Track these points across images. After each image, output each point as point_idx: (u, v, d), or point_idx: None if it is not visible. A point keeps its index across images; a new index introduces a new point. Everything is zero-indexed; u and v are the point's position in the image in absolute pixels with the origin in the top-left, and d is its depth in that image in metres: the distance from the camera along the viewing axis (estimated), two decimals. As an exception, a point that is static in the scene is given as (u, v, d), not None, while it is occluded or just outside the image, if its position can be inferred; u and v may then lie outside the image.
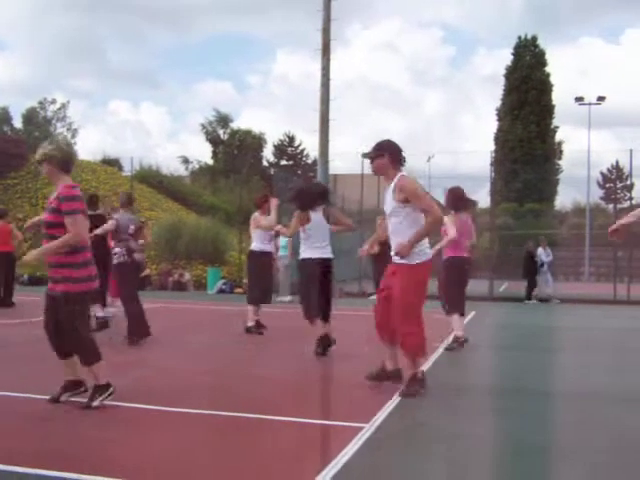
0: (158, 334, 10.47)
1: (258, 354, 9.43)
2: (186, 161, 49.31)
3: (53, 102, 52.47)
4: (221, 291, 22.13)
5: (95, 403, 5.74)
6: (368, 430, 5.12)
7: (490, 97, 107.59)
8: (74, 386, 6.02)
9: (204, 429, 5.34)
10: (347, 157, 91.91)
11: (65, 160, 5.90)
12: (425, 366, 8.06)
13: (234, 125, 50.85)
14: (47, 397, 5.99)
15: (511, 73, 47.57)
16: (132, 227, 10.00)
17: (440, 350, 9.52)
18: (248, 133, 49.07)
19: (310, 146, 54.70)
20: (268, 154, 51.58)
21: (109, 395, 5.81)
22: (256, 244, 11.23)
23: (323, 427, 5.39)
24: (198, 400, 6.21)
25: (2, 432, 5.10)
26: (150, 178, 33.93)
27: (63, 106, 52.56)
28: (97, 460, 4.41)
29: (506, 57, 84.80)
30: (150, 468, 4.32)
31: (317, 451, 4.78)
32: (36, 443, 4.80)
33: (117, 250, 9.86)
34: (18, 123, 51.24)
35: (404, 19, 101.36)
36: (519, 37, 48.45)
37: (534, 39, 48.11)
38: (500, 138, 46.47)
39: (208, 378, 7.47)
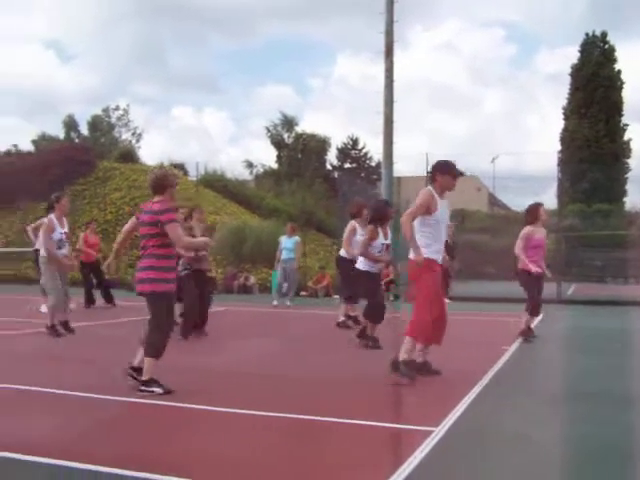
0: (223, 337, 10.59)
1: (322, 357, 9.40)
2: (250, 165, 49.70)
3: (117, 108, 53.32)
4: (285, 294, 22.18)
5: (156, 391, 6.29)
6: (438, 434, 5.06)
7: (554, 96, 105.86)
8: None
9: (270, 432, 5.34)
10: (410, 159, 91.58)
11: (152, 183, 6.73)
12: (494, 368, 7.98)
13: (298, 128, 51.02)
14: (116, 398, 6.12)
15: (578, 71, 46.46)
16: None
17: (508, 353, 9.38)
18: (312, 137, 49.13)
19: (374, 149, 54.67)
20: (332, 157, 51.67)
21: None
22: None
23: (392, 430, 5.33)
24: (263, 402, 6.21)
25: (77, 432, 5.19)
26: (215, 182, 34.21)
27: (126, 111, 53.35)
28: (165, 460, 4.45)
29: (570, 55, 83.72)
30: (217, 470, 4.34)
31: (387, 455, 4.73)
32: (109, 443, 4.86)
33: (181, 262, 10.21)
34: (84, 130, 52.23)
35: (465, 19, 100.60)
36: (586, 34, 47.24)
37: (603, 35, 46.77)
38: (566, 138, 45.52)
39: (273, 380, 7.47)
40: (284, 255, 17.33)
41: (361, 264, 9.86)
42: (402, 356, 7.17)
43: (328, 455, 4.66)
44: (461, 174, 7.54)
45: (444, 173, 7.35)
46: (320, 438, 5.14)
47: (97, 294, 16.47)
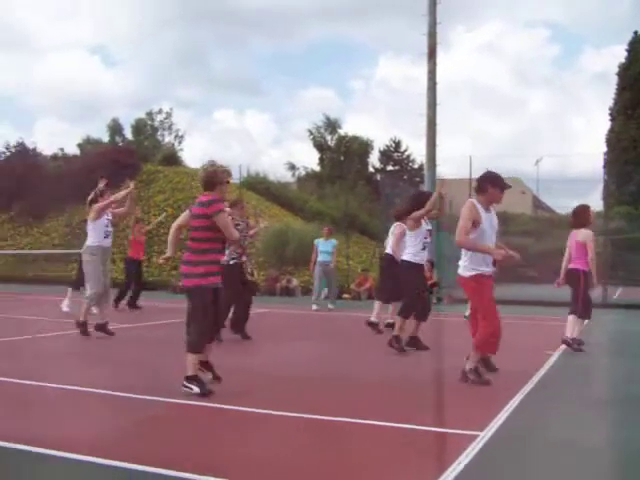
0: (263, 339, 10.61)
1: (363, 359, 9.37)
2: (293, 167, 49.77)
3: (160, 112, 53.77)
4: (328, 297, 22.18)
5: (195, 391, 6.32)
6: (483, 438, 5.00)
7: (600, 97, 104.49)
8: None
9: (309, 434, 5.34)
10: (453, 161, 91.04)
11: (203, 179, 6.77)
12: (539, 373, 7.89)
13: (340, 131, 50.96)
14: (156, 398, 6.19)
15: (625, 70, 45.55)
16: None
17: (553, 357, 9.26)
18: (355, 139, 49.06)
19: (416, 151, 54.38)
20: (374, 160, 51.52)
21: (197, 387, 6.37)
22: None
23: (436, 434, 5.28)
24: (302, 404, 6.20)
25: (118, 432, 5.23)
26: (257, 185, 34.30)
27: (168, 115, 53.79)
28: (202, 460, 4.46)
29: (618, 54, 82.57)
30: (253, 471, 4.34)
31: (430, 460, 4.67)
32: (148, 443, 4.90)
33: (229, 252, 10.27)
34: (128, 134, 52.76)
35: (507, 20, 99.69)
36: (635, 32, 46.30)
37: (653, 33, 45.89)
38: (612, 139, 44.75)
39: (312, 382, 7.47)
40: (322, 258, 17.32)
41: (407, 255, 9.76)
42: (468, 367, 7.20)
43: (368, 459, 4.64)
44: (508, 187, 7.47)
45: (495, 185, 7.31)
46: (361, 441, 5.11)
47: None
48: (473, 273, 7.22)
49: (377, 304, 12.34)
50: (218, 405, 6.08)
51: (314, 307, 17.36)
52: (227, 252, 10.20)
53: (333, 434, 5.35)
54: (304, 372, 8.15)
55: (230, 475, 4.19)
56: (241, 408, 6.02)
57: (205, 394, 6.32)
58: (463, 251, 7.35)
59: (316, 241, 17.69)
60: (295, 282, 23.78)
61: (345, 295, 22.16)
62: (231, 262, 10.30)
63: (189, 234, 6.68)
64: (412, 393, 6.98)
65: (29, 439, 4.79)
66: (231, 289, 10.19)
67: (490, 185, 7.29)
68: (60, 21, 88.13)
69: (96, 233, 10.77)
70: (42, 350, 9.67)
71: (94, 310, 11.27)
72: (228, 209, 10.00)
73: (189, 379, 6.42)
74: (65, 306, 14.82)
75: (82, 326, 10.64)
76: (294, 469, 4.41)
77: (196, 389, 6.35)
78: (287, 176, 45.53)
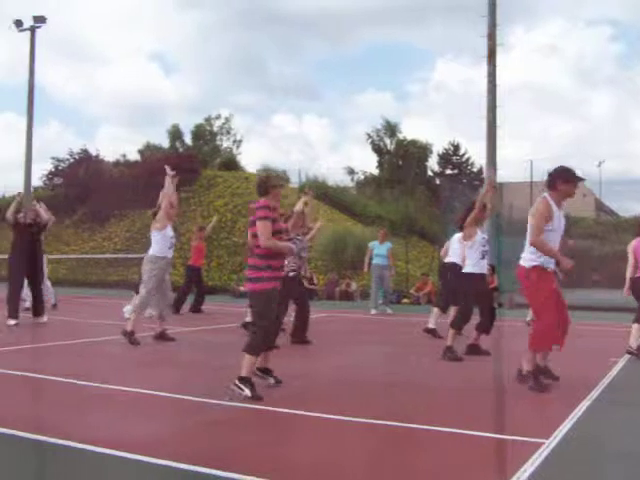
0: (325, 343, 10.59)
1: (423, 364, 9.29)
2: (351, 172, 49.71)
3: (218, 117, 54.16)
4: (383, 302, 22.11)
5: (245, 394, 6.30)
6: (548, 446, 4.87)
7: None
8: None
9: (368, 439, 5.29)
10: (512, 164, 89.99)
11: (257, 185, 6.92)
12: (604, 380, 7.72)
13: (399, 135, 50.74)
14: (214, 401, 6.21)
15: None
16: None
17: (619, 365, 9.06)
18: (413, 143, 48.83)
19: (475, 154, 53.88)
20: (433, 163, 51.23)
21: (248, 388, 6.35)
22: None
23: (499, 441, 5.16)
24: (361, 408, 6.16)
25: (184, 434, 5.26)
26: (315, 189, 34.30)
27: (227, 120, 54.18)
28: (260, 464, 4.45)
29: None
30: (311, 476, 4.32)
31: (493, 467, 4.57)
32: (208, 445, 4.90)
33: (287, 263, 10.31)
34: (188, 139, 53.30)
35: (568, 18, 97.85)
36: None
37: None
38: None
39: (372, 387, 7.42)
40: (378, 261, 17.25)
41: (467, 267, 9.67)
42: (525, 367, 7.06)
43: (431, 466, 4.57)
44: (582, 180, 7.29)
45: (566, 181, 7.12)
46: (421, 448, 5.05)
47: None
48: (536, 264, 7.03)
49: (435, 310, 12.23)
50: (279, 409, 6.06)
51: (373, 311, 17.29)
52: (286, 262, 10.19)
53: (393, 440, 5.29)
54: (365, 377, 8.11)
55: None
56: (302, 412, 6.01)
57: (255, 398, 6.29)
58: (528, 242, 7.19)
59: (371, 244, 17.63)
60: (354, 286, 23.74)
61: (404, 299, 22.07)
62: (290, 274, 10.16)
63: (254, 240, 6.68)
64: (473, 399, 6.86)
65: (92, 439, 4.84)
66: (286, 302, 10.22)
67: (560, 180, 7.11)
68: (120, 30, 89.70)
69: (162, 243, 10.80)
70: (104, 353, 9.81)
71: (147, 313, 11.67)
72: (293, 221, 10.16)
73: (242, 380, 6.40)
74: (127, 311, 14.99)
75: (130, 334, 10.38)
76: (354, 475, 4.37)
77: (247, 392, 6.32)
78: (346, 180, 45.51)
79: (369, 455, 4.82)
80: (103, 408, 6.24)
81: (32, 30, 30.83)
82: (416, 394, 7.09)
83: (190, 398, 6.45)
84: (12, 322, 12.44)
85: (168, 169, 11.06)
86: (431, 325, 12.07)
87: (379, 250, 17.26)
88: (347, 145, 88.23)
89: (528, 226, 7.17)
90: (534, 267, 7.04)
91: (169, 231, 10.90)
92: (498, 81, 22.20)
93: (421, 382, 7.81)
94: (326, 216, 30.64)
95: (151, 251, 10.84)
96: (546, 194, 7.16)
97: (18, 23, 30.78)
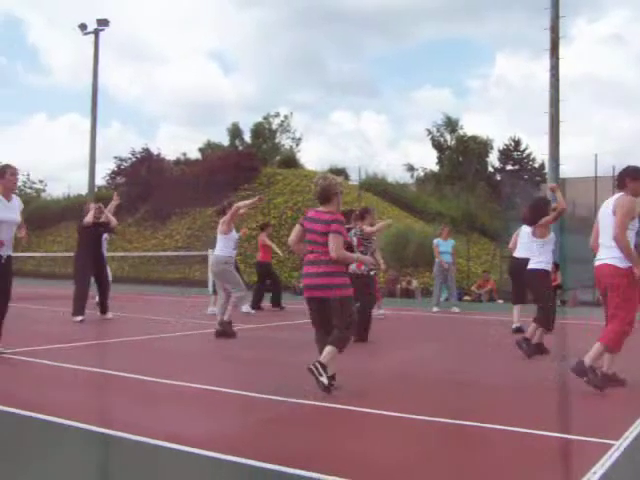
0: (385, 340, 10.54)
1: (486, 361, 9.17)
2: (411, 168, 49.42)
3: (277, 115, 54.30)
4: (448, 298, 21.93)
5: (322, 379, 6.41)
6: (619, 448, 4.74)
7: None
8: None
9: (430, 437, 5.25)
10: (575, 159, 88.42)
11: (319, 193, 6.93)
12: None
13: (459, 130, 50.26)
14: (279, 398, 6.22)
15: None
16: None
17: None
18: (473, 138, 48.35)
19: (537, 149, 53.05)
20: (493, 159, 50.62)
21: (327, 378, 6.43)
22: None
23: (565, 442, 5.03)
24: (424, 406, 6.10)
25: (249, 430, 5.27)
26: (375, 186, 34.28)
27: (286, 118, 54.30)
28: (326, 461, 4.46)
29: None
30: (376, 473, 4.28)
31: (559, 469, 4.47)
32: (274, 441, 4.92)
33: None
34: (248, 137, 53.56)
35: (633, 8, 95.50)
36: None
37: None
38: None
39: (434, 385, 7.38)
40: (444, 259, 17.09)
41: (542, 264, 9.50)
42: (588, 361, 6.84)
43: (496, 466, 4.49)
44: None
45: (635, 179, 6.99)
46: (483, 446, 4.98)
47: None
48: (629, 265, 6.83)
49: (515, 309, 12.06)
50: (342, 406, 6.04)
51: (435, 309, 17.14)
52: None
53: (458, 438, 5.24)
54: (430, 375, 8.07)
55: (353, 476, 4.14)
56: (366, 410, 5.98)
57: (327, 389, 6.39)
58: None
59: (436, 240, 17.48)
60: (415, 283, 23.60)
61: (466, 297, 21.88)
62: (372, 273, 10.80)
63: (316, 247, 6.80)
64: (539, 398, 6.73)
65: (157, 434, 4.91)
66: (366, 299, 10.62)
67: (629, 179, 6.98)
68: (180, 30, 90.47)
69: (228, 245, 11.42)
70: (169, 349, 9.92)
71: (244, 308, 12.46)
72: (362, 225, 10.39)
73: (323, 366, 6.46)
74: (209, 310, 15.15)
75: (227, 324, 10.99)
76: (417, 473, 4.33)
77: (324, 380, 6.39)
78: (405, 177, 45.27)
79: (437, 453, 4.79)
80: (168, 403, 6.31)
81: (96, 33, 31.40)
82: (482, 392, 7.02)
83: (255, 395, 6.48)
84: (78, 318, 12.74)
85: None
86: (516, 324, 11.82)
87: (443, 247, 17.12)
88: (405, 142, 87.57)
89: (608, 222, 6.96)
90: (628, 269, 6.84)
91: (234, 233, 11.65)
92: (561, 74, 21.85)
93: (486, 380, 7.71)
94: (386, 213, 30.54)
95: (220, 252, 11.34)
96: (622, 193, 7.01)
97: (83, 27, 31.35)
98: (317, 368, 6.43)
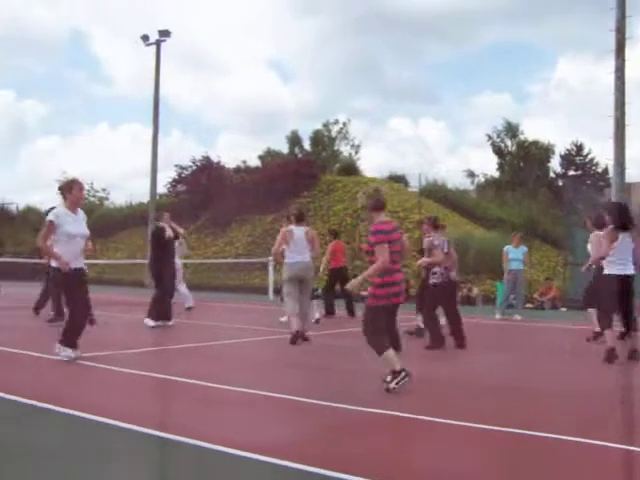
0: (448, 348, 10.44)
1: (552, 370, 8.97)
2: (472, 174, 49.00)
3: (336, 122, 54.36)
4: (510, 305, 21.58)
5: (391, 385, 6.71)
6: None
7: None
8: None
9: (496, 447, 5.15)
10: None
11: (373, 203, 7.18)
12: None
13: (520, 136, 49.67)
14: (350, 406, 6.16)
15: None
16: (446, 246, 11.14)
17: None
18: (534, 144, 47.75)
19: (600, 154, 52.15)
20: (555, 165, 49.92)
21: (402, 379, 6.71)
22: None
23: (626, 452, 4.86)
24: (488, 415, 6.00)
25: (314, 437, 5.24)
26: (435, 193, 34.06)
27: (345, 125, 54.33)
28: (388, 468, 4.43)
29: None
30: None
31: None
32: (339, 449, 4.88)
33: (436, 269, 10.46)
34: (307, 145, 53.75)
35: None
36: None
37: None
38: None
39: (499, 393, 7.26)
40: (513, 266, 16.83)
41: (609, 268, 9.28)
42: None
43: (559, 477, 4.37)
44: None
45: None
46: (549, 457, 4.83)
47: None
48: None
49: (592, 313, 11.74)
50: (407, 415, 5.97)
51: (497, 316, 16.89)
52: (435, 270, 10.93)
53: (517, 448, 5.11)
54: (490, 382, 7.95)
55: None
56: (427, 417, 5.90)
57: (389, 390, 6.66)
58: None
59: (506, 248, 17.22)
60: (476, 291, 23.34)
61: (528, 304, 21.53)
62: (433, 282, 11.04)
63: (370, 257, 7.07)
64: (604, 408, 6.57)
65: (218, 439, 4.92)
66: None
67: None
68: (239, 39, 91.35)
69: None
70: (232, 355, 9.97)
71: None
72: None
73: (393, 373, 6.75)
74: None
75: (294, 335, 10.94)
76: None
77: (394, 384, 6.70)
78: (465, 183, 44.88)
79: (494, 463, 4.70)
80: (227, 409, 6.35)
81: (157, 44, 31.79)
82: (539, 400, 6.89)
83: (319, 402, 6.44)
84: (151, 323, 12.90)
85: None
86: (597, 329, 11.52)
87: (514, 254, 16.88)
88: (465, 147, 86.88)
89: None
90: None
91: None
92: (626, 76, 21.38)
93: (550, 389, 7.55)
94: (446, 220, 30.29)
95: (310, 259, 11.33)
96: None
97: (145, 38, 31.78)
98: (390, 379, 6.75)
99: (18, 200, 50.03)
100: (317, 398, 6.54)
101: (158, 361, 9.44)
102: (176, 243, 14.11)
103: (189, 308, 16.92)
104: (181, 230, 14.27)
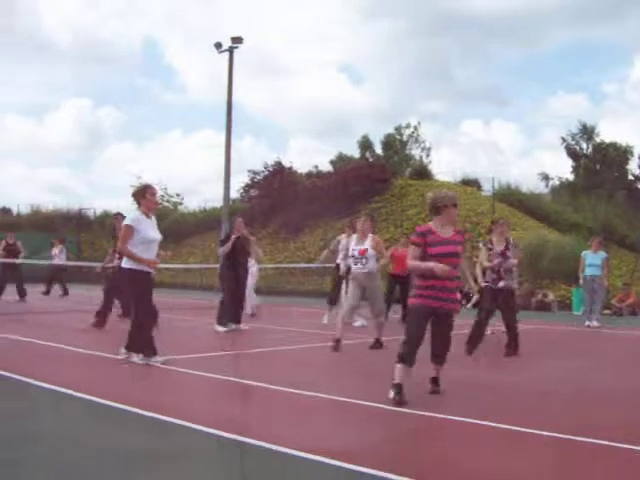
0: (522, 354, 10.33)
1: (628, 377, 8.79)
2: (546, 178, 48.23)
3: (407, 126, 54.15)
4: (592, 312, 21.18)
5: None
6: None
7: None
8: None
9: (562, 454, 5.08)
10: None
11: (432, 206, 7.12)
12: None
13: (597, 138, 48.72)
14: (415, 411, 6.18)
15: None
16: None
17: None
18: (611, 145, 46.75)
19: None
20: (634, 167, 48.77)
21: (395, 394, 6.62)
22: None
23: None
24: (558, 422, 5.93)
25: (385, 443, 5.22)
26: (509, 196, 33.60)
27: (416, 128, 54.10)
28: (453, 474, 4.45)
29: None
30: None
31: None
32: (407, 454, 4.87)
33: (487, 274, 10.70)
34: (378, 149, 53.68)
35: None
36: None
37: None
38: None
39: (571, 401, 7.19)
40: (591, 272, 16.43)
41: None
42: None
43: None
44: None
45: None
46: (608, 465, 4.79)
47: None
48: None
49: None
50: (475, 421, 5.98)
51: (587, 323, 16.49)
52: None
53: (575, 456, 5.07)
54: (562, 389, 7.84)
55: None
56: (499, 425, 5.85)
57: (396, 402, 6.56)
58: None
59: (584, 253, 16.88)
60: (551, 296, 22.95)
61: (606, 311, 21.08)
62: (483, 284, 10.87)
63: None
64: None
65: (299, 445, 4.98)
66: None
67: None
68: (309, 44, 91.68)
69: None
70: (302, 360, 10.03)
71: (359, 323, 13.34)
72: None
73: (393, 386, 6.72)
74: (325, 319, 15.34)
75: (335, 342, 10.83)
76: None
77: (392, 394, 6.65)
78: (540, 187, 44.16)
79: (555, 470, 4.66)
80: (301, 414, 6.41)
81: (230, 51, 32.11)
82: (608, 409, 6.79)
83: (386, 407, 6.47)
84: (220, 329, 13.05)
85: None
86: None
87: (592, 260, 16.46)
88: (538, 150, 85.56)
89: None
90: None
91: (351, 250, 11.40)
92: None
93: (617, 398, 7.41)
94: (520, 224, 29.94)
95: (375, 269, 11.13)
96: None
97: (218, 45, 32.15)
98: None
99: (95, 205, 51.26)
100: (387, 404, 6.55)
101: (229, 364, 9.54)
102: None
103: (252, 315, 16.90)
104: (252, 237, 14.38)
